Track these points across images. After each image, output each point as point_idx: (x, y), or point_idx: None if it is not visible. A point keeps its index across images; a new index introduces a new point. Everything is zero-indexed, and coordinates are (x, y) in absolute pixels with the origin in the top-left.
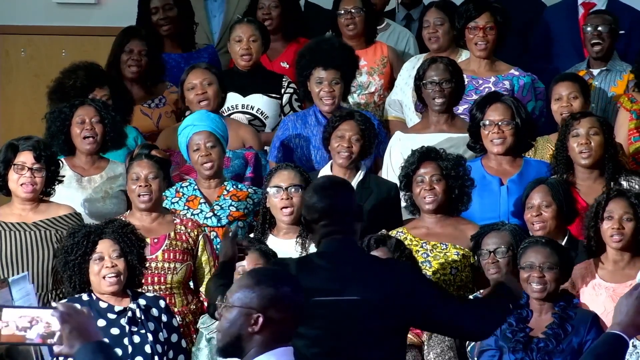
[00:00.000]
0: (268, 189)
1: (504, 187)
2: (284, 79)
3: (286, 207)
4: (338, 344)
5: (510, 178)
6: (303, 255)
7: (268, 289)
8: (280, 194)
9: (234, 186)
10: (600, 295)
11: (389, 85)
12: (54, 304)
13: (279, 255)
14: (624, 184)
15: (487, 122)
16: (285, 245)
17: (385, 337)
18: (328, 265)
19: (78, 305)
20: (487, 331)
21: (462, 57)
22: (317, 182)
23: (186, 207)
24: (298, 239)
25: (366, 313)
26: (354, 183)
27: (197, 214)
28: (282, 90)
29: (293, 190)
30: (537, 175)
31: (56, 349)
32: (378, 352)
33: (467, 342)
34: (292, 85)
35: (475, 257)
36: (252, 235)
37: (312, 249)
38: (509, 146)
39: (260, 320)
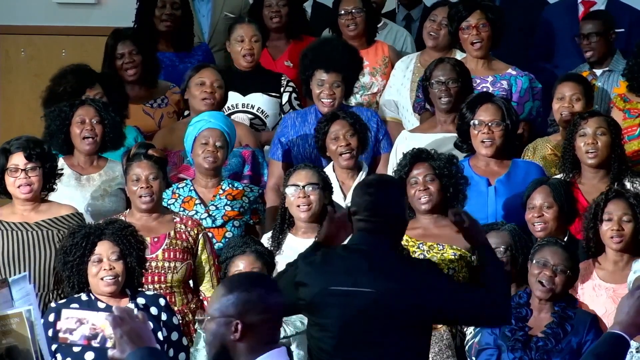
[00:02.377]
0: (286, 189)
1: (491, 188)
2: (282, 78)
3: (303, 205)
4: (351, 335)
5: (498, 178)
6: (332, 247)
7: (242, 294)
8: (298, 192)
9: (230, 185)
10: (601, 296)
11: None
12: (59, 304)
13: (296, 256)
14: (628, 185)
15: (476, 122)
16: (304, 244)
17: (397, 334)
18: (349, 257)
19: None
20: (506, 314)
21: (457, 57)
22: (370, 178)
23: (182, 209)
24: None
25: (378, 306)
26: (357, 182)
27: (193, 215)
28: (282, 89)
29: (310, 188)
30: (526, 175)
31: (109, 352)
32: (389, 348)
33: (466, 341)
34: (291, 84)
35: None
36: (269, 234)
37: None
38: (498, 148)
39: (240, 326)
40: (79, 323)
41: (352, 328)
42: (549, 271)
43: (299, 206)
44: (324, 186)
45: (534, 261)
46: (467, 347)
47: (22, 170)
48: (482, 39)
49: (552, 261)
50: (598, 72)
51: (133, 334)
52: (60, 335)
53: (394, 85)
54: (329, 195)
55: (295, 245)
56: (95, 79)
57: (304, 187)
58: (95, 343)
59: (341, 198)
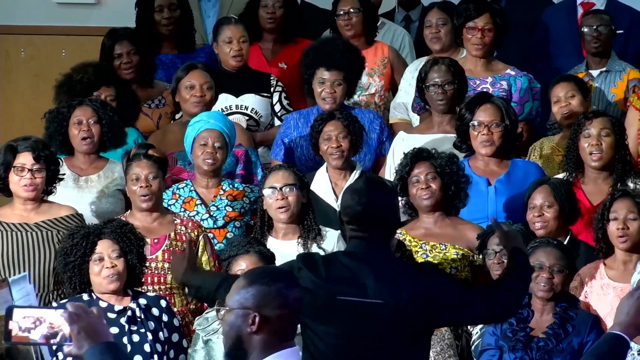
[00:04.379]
0: (263, 191)
1: (491, 188)
2: (271, 78)
3: (282, 207)
4: (357, 345)
5: (498, 178)
6: (330, 252)
7: (261, 287)
8: (275, 194)
9: (230, 185)
10: (608, 295)
11: (390, 86)
12: (61, 304)
13: (280, 258)
14: (631, 185)
15: (476, 123)
16: (286, 246)
17: (405, 342)
18: (354, 265)
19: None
20: (511, 311)
21: (464, 55)
22: (358, 184)
23: (183, 209)
24: (299, 239)
25: (388, 317)
26: (347, 185)
27: (194, 216)
28: (272, 89)
29: (287, 189)
30: (525, 175)
31: (66, 349)
32: (397, 357)
33: (472, 341)
34: (280, 83)
35: (481, 257)
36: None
37: (315, 249)
38: (497, 148)
39: (257, 319)
40: (38, 322)
41: (359, 338)
42: (546, 273)
43: (278, 208)
44: (301, 185)
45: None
46: (473, 347)
47: (28, 170)
48: (484, 43)
49: (548, 263)
50: (594, 73)
51: (90, 330)
52: (19, 334)
53: (403, 88)
54: (307, 195)
55: (277, 248)
56: (113, 80)
57: (281, 188)
58: (54, 341)
59: (333, 199)
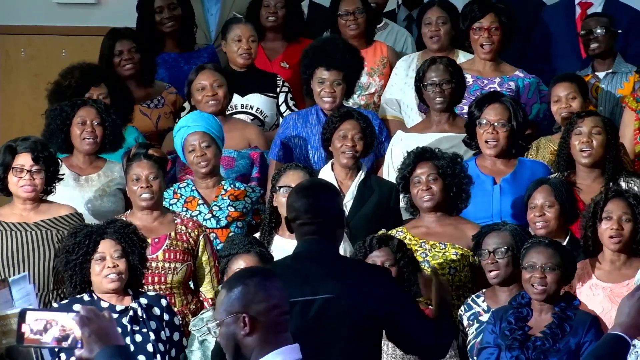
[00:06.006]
0: (277, 188)
1: (497, 187)
2: (277, 78)
3: None
4: (311, 343)
5: (504, 177)
6: (280, 259)
7: (240, 287)
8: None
9: (232, 185)
10: (598, 295)
11: None
12: (62, 305)
13: (285, 255)
14: (623, 184)
15: (483, 121)
16: (292, 245)
17: (356, 337)
18: (302, 266)
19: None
20: (443, 352)
21: (461, 58)
22: (300, 183)
23: (185, 209)
24: None
25: (338, 311)
26: (356, 183)
27: (196, 216)
28: (278, 90)
29: None
30: (532, 175)
31: (77, 352)
32: (349, 352)
33: (467, 340)
34: (286, 84)
35: (476, 257)
36: (257, 235)
37: None
38: (502, 149)
39: (247, 319)
40: (49, 325)
41: (312, 335)
42: (538, 273)
43: None
44: None
45: (523, 265)
46: (469, 347)
47: (27, 171)
48: (492, 42)
49: (539, 262)
50: (601, 74)
51: (101, 333)
52: (31, 336)
53: (395, 84)
54: None
55: (283, 246)
56: (102, 78)
57: None
58: (65, 344)
59: None
